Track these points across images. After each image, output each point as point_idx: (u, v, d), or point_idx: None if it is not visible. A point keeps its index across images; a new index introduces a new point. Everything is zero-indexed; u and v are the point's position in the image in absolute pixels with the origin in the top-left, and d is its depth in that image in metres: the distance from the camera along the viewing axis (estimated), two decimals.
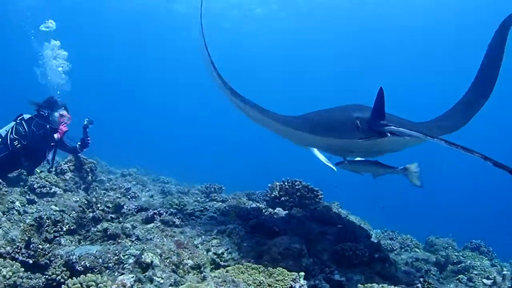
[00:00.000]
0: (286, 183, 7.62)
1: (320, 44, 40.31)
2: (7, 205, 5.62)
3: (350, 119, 4.66)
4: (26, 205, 5.92)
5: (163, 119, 59.74)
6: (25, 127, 7.01)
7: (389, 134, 4.22)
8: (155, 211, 5.46)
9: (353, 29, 35.99)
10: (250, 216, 6.16)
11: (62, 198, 6.44)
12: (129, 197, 7.57)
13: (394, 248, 8.32)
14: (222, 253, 5.00)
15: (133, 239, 5.06)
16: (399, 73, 41.47)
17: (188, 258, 4.74)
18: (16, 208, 5.61)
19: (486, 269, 7.74)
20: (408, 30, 35.60)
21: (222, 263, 4.92)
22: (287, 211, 7.19)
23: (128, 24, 38.43)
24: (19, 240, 4.87)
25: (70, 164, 7.31)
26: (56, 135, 7.20)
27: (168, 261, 4.54)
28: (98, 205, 5.58)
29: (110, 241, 5.01)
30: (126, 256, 4.38)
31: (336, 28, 36.38)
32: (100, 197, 5.85)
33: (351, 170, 5.91)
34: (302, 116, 5.39)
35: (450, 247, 9.10)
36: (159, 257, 4.51)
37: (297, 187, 7.53)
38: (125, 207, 5.87)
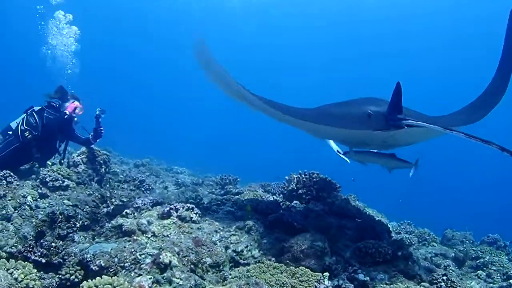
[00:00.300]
0: (303, 176, 7.30)
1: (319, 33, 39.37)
2: (18, 200, 5.35)
3: (366, 111, 4.61)
4: (38, 199, 5.65)
5: (174, 108, 58.91)
6: (36, 118, 6.75)
7: (405, 127, 4.19)
8: (172, 206, 5.16)
9: (353, 18, 35.16)
10: (267, 211, 5.87)
11: (75, 192, 6.16)
12: (143, 189, 7.30)
13: (413, 243, 8.01)
14: (242, 251, 4.72)
15: (149, 236, 4.78)
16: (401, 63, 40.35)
17: (207, 256, 4.45)
18: (28, 203, 5.34)
19: (505, 265, 7.49)
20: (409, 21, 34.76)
21: (241, 261, 4.64)
22: (304, 205, 6.88)
23: (145, 9, 37.51)
24: (31, 237, 4.61)
25: (83, 156, 7.01)
26: (66, 110, 6.93)
27: (186, 259, 4.26)
28: (113, 200, 5.29)
29: (126, 238, 4.73)
30: (143, 256, 4.10)
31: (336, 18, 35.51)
32: (115, 191, 5.56)
33: (357, 160, 5.82)
34: (316, 109, 5.32)
35: (468, 241, 8.80)
36: (177, 255, 4.23)
37: (314, 179, 7.21)
38: (139, 201, 5.58)
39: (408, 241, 7.95)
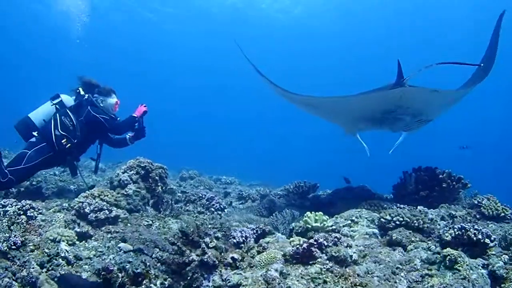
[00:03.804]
0: (422, 173, 4.95)
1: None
2: (47, 248, 2.93)
3: (384, 85, 4.89)
4: (76, 242, 3.20)
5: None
6: (72, 118, 4.49)
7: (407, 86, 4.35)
8: (311, 241, 2.70)
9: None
10: (420, 226, 3.46)
11: (129, 225, 3.72)
12: (213, 209, 4.84)
13: None
14: None
15: None
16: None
17: None
18: (62, 253, 2.90)
19: None
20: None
21: None
22: (436, 211, 4.47)
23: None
24: None
25: (132, 172, 4.50)
26: (136, 114, 4.84)
27: None
28: (207, 239, 2.80)
29: None
30: None
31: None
32: (204, 224, 3.06)
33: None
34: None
35: None
36: None
37: (439, 176, 4.86)
38: (238, 234, 3.14)
39: None
